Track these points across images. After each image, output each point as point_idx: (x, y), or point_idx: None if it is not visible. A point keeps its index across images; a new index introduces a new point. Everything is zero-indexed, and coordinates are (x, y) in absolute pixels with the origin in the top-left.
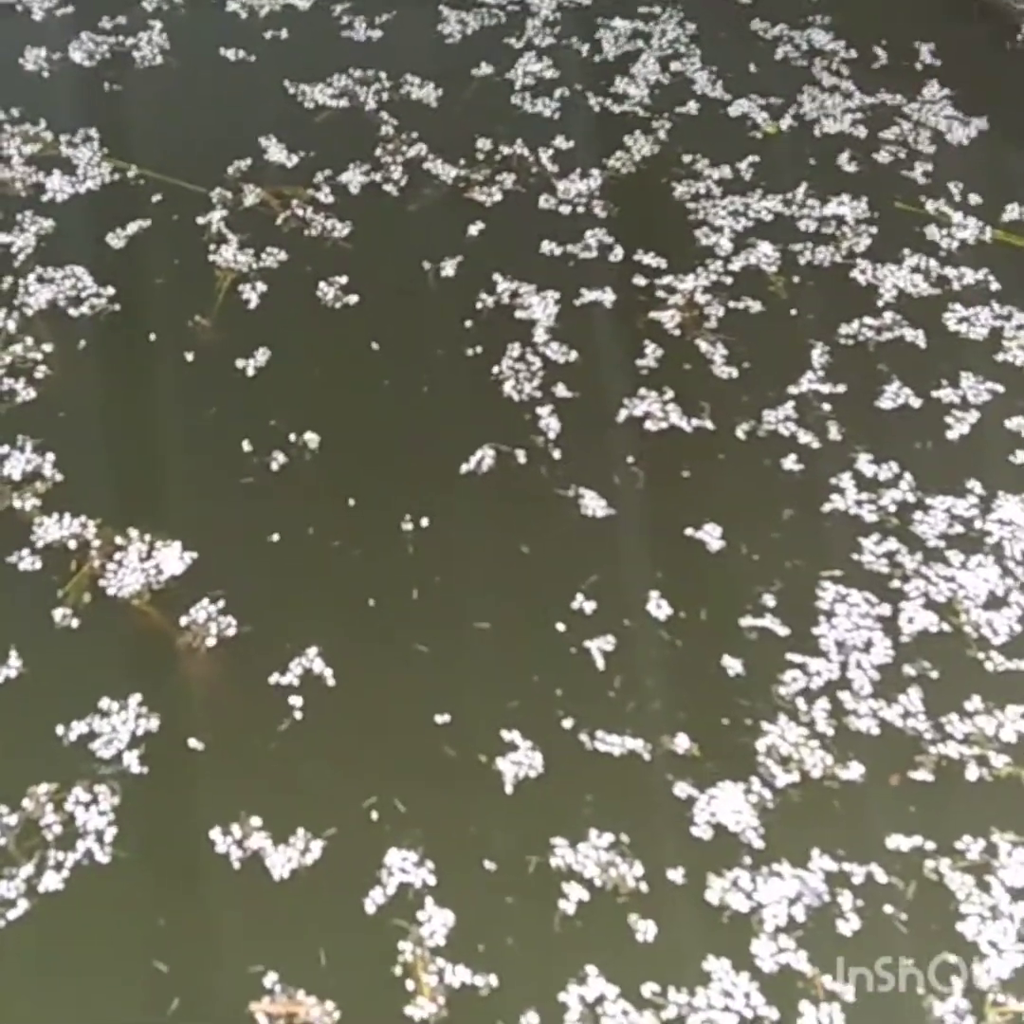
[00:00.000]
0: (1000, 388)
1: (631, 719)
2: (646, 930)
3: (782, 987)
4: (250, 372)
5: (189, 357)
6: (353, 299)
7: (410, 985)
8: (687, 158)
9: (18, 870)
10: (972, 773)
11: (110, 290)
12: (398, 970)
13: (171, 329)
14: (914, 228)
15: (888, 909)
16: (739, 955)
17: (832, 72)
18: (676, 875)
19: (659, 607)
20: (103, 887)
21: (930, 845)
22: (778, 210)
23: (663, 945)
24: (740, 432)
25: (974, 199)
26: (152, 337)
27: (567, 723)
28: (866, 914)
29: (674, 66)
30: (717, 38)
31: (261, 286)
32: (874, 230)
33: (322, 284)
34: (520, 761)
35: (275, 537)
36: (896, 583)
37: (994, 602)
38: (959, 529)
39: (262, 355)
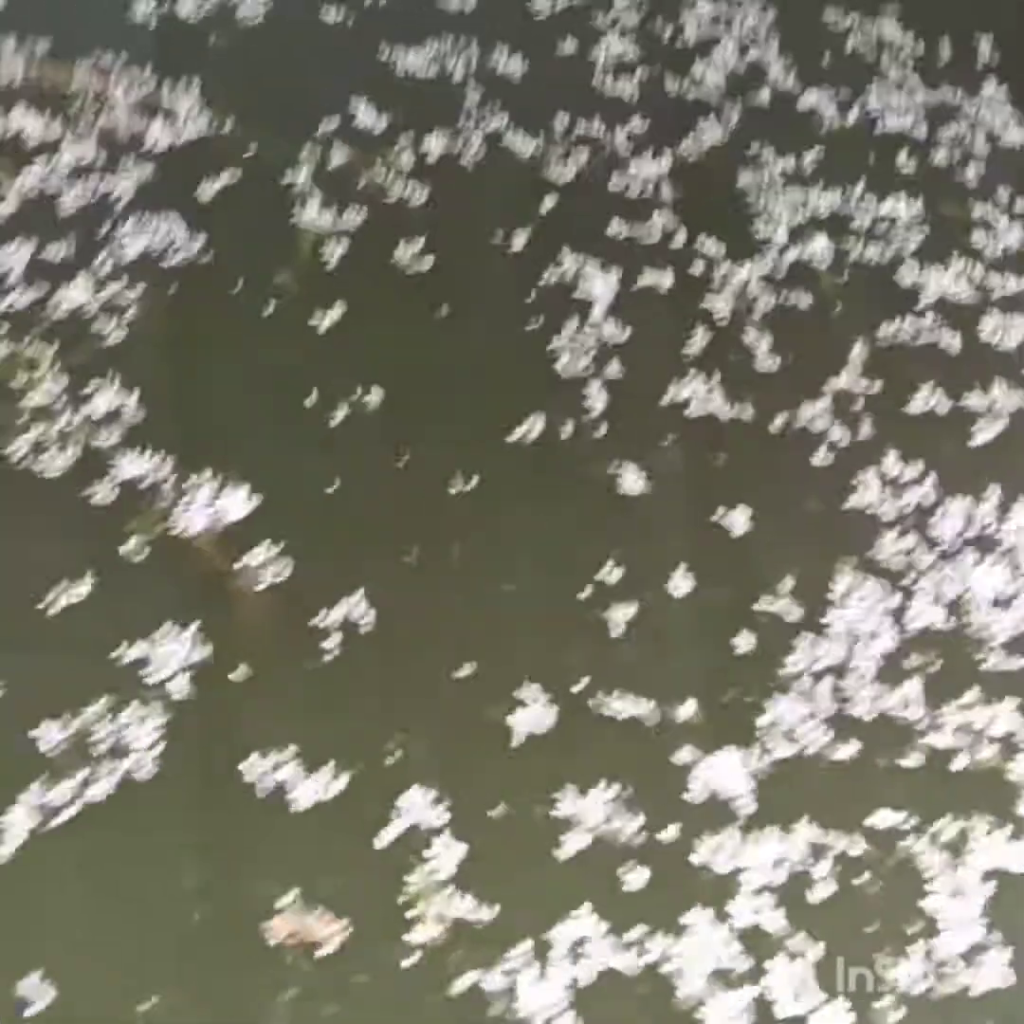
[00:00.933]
0: None
1: (640, 685)
2: (636, 880)
3: (754, 943)
4: (323, 328)
5: (268, 310)
6: (427, 264)
7: (414, 913)
8: (753, 147)
9: (67, 780)
10: (959, 763)
11: (200, 241)
12: (403, 899)
13: (254, 282)
14: (962, 232)
15: (862, 879)
16: (718, 910)
17: (900, 63)
18: (668, 833)
19: (679, 585)
20: (142, 802)
21: (908, 825)
22: (835, 206)
23: (650, 896)
24: (776, 424)
25: (1022, 205)
26: (236, 288)
27: (578, 686)
28: (838, 882)
29: (751, 54)
30: (793, 26)
31: (341, 247)
32: (925, 230)
33: (399, 247)
34: (531, 718)
35: (331, 489)
36: (910, 579)
37: (1001, 602)
38: (974, 532)
39: (336, 312)
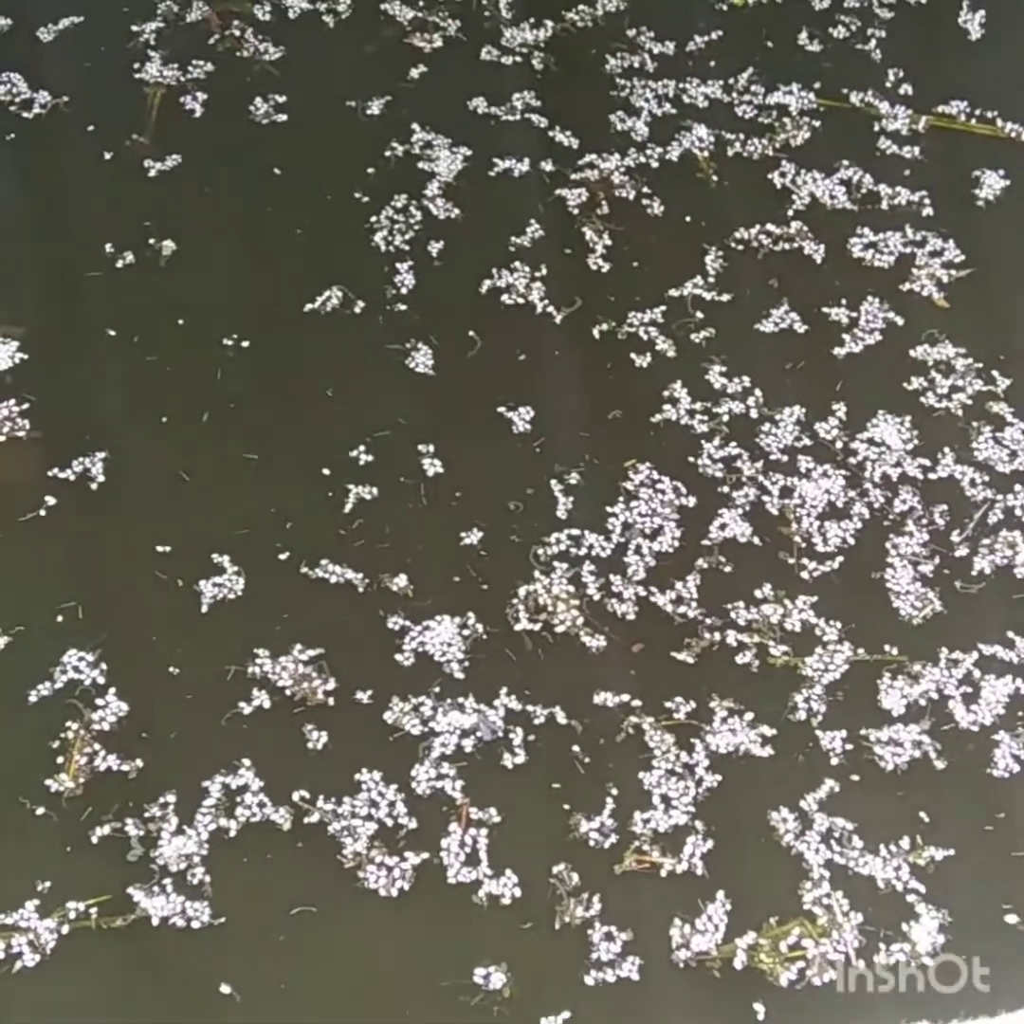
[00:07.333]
0: (897, 319)
1: (354, 556)
2: (317, 740)
3: (429, 807)
4: (151, 174)
5: (107, 156)
6: (281, 118)
7: (60, 761)
8: (632, 32)
9: None
10: (744, 658)
11: (44, 95)
12: (54, 746)
13: (99, 132)
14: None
15: (575, 749)
16: (397, 773)
17: None
18: (364, 695)
19: (433, 465)
20: None
21: (637, 703)
22: (716, 96)
23: (328, 757)
24: (596, 331)
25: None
26: (84, 135)
27: (284, 555)
28: (536, 748)
29: None
30: None
31: (197, 100)
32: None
33: (255, 103)
34: (222, 584)
35: (108, 334)
36: (725, 488)
37: (833, 513)
38: (810, 443)
39: (171, 161)
